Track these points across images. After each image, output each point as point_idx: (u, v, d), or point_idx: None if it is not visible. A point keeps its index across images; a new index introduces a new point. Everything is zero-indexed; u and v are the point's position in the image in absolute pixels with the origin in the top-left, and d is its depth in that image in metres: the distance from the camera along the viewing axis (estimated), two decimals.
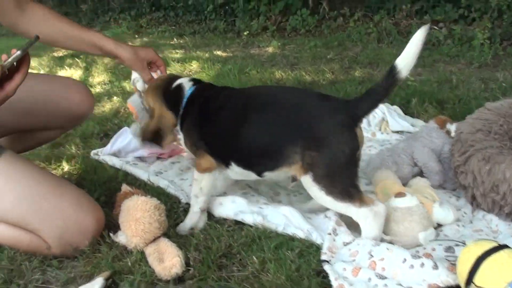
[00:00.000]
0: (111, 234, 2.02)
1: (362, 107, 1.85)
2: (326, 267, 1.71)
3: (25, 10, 2.19)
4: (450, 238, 1.93)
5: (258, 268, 1.78)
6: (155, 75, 2.32)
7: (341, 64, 4.84)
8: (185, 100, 2.13)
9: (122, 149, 2.86)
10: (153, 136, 2.16)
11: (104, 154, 2.90)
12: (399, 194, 1.95)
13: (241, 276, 1.77)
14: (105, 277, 1.76)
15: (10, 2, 2.17)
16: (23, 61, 1.75)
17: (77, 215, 1.92)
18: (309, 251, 1.86)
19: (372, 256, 1.74)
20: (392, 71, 1.78)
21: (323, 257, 1.78)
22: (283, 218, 2.06)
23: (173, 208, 2.24)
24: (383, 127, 3.19)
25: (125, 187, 2.20)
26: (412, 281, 1.63)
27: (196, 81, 2.20)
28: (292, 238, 1.94)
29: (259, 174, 2.00)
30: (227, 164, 2.06)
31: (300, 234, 1.96)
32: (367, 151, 2.92)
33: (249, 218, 2.07)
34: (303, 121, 1.85)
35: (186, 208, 2.23)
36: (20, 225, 1.94)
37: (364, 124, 3.21)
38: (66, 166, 2.85)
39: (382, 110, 3.23)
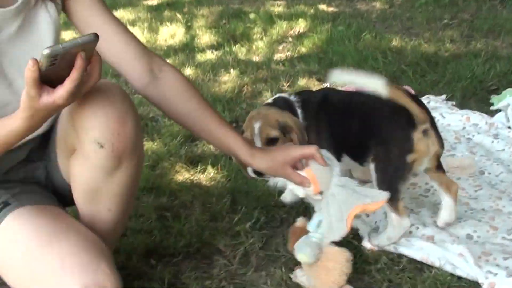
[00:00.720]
0: (291, 275, 2.06)
1: None
2: None
3: (158, 78, 1.79)
4: None
5: None
6: (303, 173, 1.83)
7: (460, 30, 4.65)
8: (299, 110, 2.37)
9: None
10: None
11: None
12: None
13: None
14: None
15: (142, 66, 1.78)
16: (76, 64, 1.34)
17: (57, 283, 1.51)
18: None
19: None
20: None
21: None
22: (458, 260, 2.08)
23: None
24: None
25: (301, 222, 2.16)
26: None
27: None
28: None
29: (362, 164, 2.27)
30: (340, 158, 2.28)
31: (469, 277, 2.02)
32: None
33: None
34: (376, 122, 2.18)
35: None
36: None
37: (505, 123, 3.14)
38: (211, 171, 2.88)
39: None
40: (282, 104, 2.36)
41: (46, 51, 1.27)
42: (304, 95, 2.43)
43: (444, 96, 3.58)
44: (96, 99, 1.53)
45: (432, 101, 3.51)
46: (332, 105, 2.35)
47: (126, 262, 2.24)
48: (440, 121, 3.32)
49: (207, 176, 2.85)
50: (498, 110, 3.36)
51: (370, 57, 4.15)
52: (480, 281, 1.96)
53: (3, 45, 1.55)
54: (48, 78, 1.34)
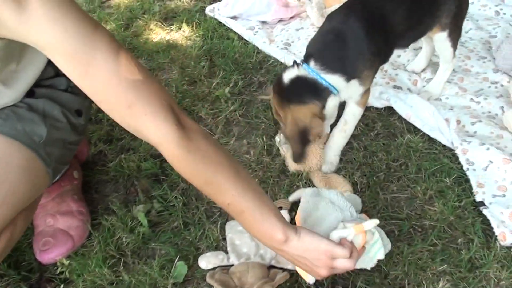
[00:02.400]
0: (271, 143, 2.17)
1: None
2: (486, 212, 1.89)
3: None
4: None
5: (422, 197, 1.96)
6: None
7: None
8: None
9: (244, 12, 2.86)
10: None
11: (224, 16, 2.90)
12: None
13: (408, 202, 1.97)
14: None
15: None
16: None
17: None
18: (459, 172, 2.04)
19: None
20: None
21: (477, 198, 1.95)
22: (429, 117, 2.22)
23: None
24: None
25: None
26: None
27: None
28: (448, 157, 2.10)
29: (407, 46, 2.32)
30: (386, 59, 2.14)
31: (443, 141, 2.15)
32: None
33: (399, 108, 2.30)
34: None
35: None
36: None
37: None
38: (186, 29, 2.88)
39: None
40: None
41: None
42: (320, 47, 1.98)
43: None
44: None
45: None
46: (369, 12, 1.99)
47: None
48: None
49: (182, 35, 2.85)
50: None
51: None
52: (455, 145, 2.10)
53: None
54: None
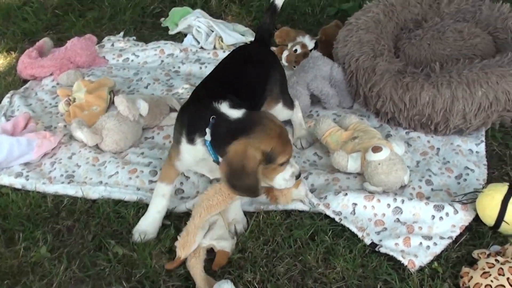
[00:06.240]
0: None
1: (264, 31, 2.46)
2: (383, 250, 1.94)
3: None
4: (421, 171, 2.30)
5: (316, 264, 1.92)
6: None
7: None
8: None
9: (4, 160, 2.47)
10: None
11: None
12: (376, 149, 2.18)
13: (307, 275, 1.90)
14: None
15: None
16: None
17: None
18: (332, 226, 2.05)
19: (404, 222, 2.04)
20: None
21: (366, 241, 1.99)
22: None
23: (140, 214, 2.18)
24: (218, 43, 3.25)
25: None
26: (447, 230, 1.99)
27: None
28: (310, 217, 2.10)
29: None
30: None
31: (299, 207, 2.14)
32: None
33: None
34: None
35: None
36: None
37: (197, 45, 3.28)
38: None
39: (210, 27, 3.29)
40: None
41: None
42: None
43: (122, 33, 3.52)
44: None
45: (116, 43, 3.41)
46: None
47: None
48: (134, 61, 3.28)
49: None
50: (184, 34, 3.44)
51: None
52: (316, 203, 2.10)
53: None
54: None
